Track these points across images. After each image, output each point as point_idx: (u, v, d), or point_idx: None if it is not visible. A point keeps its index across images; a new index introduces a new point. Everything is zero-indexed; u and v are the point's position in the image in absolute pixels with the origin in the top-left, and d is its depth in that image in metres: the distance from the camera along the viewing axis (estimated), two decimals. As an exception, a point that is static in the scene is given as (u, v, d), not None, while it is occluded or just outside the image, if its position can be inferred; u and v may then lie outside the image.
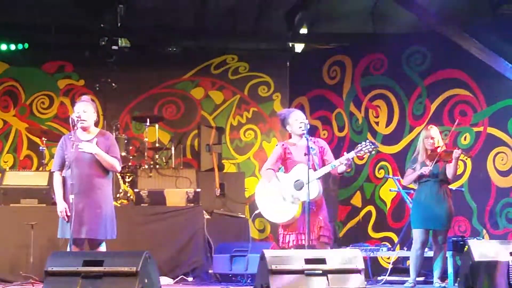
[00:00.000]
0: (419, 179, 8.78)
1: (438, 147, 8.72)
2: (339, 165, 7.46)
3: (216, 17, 12.11)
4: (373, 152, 7.70)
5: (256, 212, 7.95)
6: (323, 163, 7.64)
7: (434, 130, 8.79)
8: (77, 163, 7.23)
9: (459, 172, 9.88)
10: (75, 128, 7.34)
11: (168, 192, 10.49)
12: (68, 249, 7.13)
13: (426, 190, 8.74)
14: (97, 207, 7.27)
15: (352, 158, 7.50)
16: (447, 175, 8.70)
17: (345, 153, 7.50)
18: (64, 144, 7.39)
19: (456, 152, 8.49)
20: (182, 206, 10.29)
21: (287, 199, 7.58)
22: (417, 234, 8.78)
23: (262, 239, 12.16)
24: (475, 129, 10.06)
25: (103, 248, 7.36)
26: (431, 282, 8.85)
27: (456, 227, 10.04)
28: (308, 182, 7.28)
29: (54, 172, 7.45)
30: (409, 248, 9.10)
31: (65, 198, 7.24)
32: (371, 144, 7.54)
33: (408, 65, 10.95)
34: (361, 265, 5.75)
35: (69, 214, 7.13)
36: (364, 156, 7.73)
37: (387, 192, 10.93)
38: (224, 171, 12.44)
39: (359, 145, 7.56)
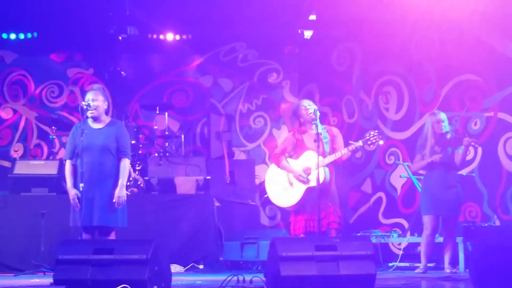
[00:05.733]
0: (430, 166, 8.77)
1: (447, 132, 8.73)
2: (345, 153, 7.63)
3: (225, 4, 12.05)
4: (380, 142, 7.82)
5: (265, 196, 8.14)
6: (333, 151, 7.79)
7: (442, 114, 8.81)
8: (87, 152, 7.24)
9: (469, 157, 9.87)
10: (85, 116, 7.35)
11: (178, 179, 10.50)
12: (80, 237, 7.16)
13: (435, 177, 8.75)
14: (108, 195, 7.29)
15: (359, 147, 7.68)
16: (455, 162, 8.72)
17: (351, 142, 7.68)
18: (75, 132, 7.39)
19: (466, 140, 8.49)
20: (192, 194, 10.29)
21: (294, 184, 7.75)
22: (427, 221, 8.79)
23: (273, 226, 12.17)
24: (486, 114, 10.01)
25: (112, 236, 7.37)
26: (442, 268, 8.85)
27: (467, 212, 10.01)
28: (318, 168, 7.41)
29: (65, 160, 7.45)
30: (420, 234, 9.10)
31: (75, 187, 7.26)
32: (378, 133, 7.70)
33: (416, 51, 10.89)
34: (371, 252, 5.74)
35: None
36: (371, 146, 7.83)
37: (398, 178, 10.91)
38: (234, 158, 12.44)
39: (367, 134, 7.73)
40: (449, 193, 8.71)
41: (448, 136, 8.76)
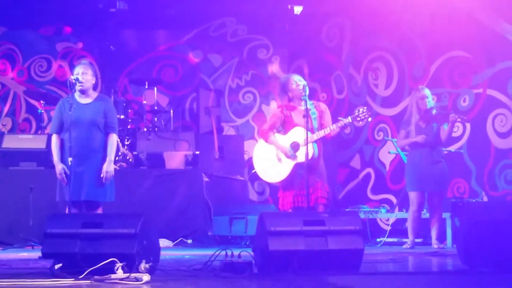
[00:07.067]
0: (415, 144, 8.80)
1: (432, 108, 8.76)
2: (334, 129, 7.64)
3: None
4: (369, 119, 7.83)
5: (252, 171, 8.17)
6: (322, 127, 7.78)
7: (426, 90, 8.85)
8: (75, 126, 7.22)
9: (457, 134, 9.90)
10: (73, 90, 7.33)
11: (167, 154, 10.48)
12: (67, 211, 7.16)
13: (420, 153, 8.79)
14: (96, 170, 7.28)
15: (348, 123, 7.69)
16: (440, 137, 8.75)
17: (340, 118, 7.71)
18: (62, 106, 7.37)
19: (452, 116, 8.52)
20: (181, 169, 10.29)
21: (282, 160, 7.76)
22: (413, 197, 8.83)
23: (261, 202, 12.19)
24: (475, 90, 10.02)
25: (99, 211, 7.37)
26: (430, 244, 8.90)
27: (455, 188, 10.05)
28: (307, 144, 7.43)
29: (52, 134, 7.43)
30: (408, 210, 9.13)
31: (63, 161, 7.24)
32: (367, 110, 7.71)
33: (407, 27, 10.87)
34: (359, 227, 5.76)
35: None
36: (360, 122, 7.86)
37: (386, 154, 10.94)
38: (223, 133, 12.43)
39: (356, 110, 7.76)
40: (434, 168, 8.75)
41: (434, 112, 8.79)
